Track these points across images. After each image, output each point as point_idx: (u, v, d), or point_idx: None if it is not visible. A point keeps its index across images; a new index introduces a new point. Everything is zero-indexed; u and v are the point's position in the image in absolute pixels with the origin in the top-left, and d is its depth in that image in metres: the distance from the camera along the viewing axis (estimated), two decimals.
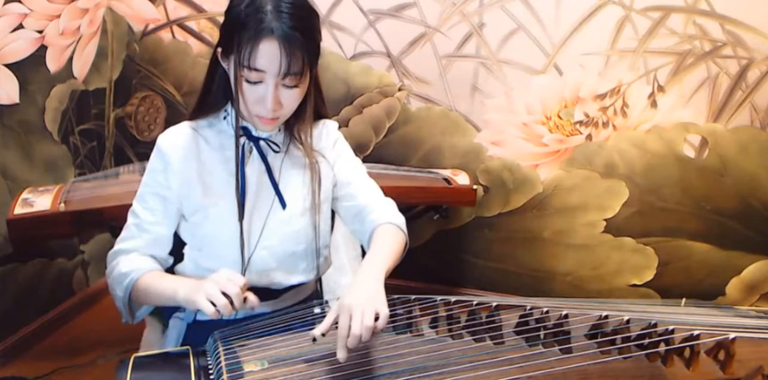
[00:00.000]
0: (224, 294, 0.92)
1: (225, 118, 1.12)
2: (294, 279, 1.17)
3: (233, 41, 0.98)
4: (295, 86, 1.01)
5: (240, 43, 0.97)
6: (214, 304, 0.91)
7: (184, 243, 1.16)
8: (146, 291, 1.05)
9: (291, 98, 1.03)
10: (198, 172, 1.10)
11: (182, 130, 1.12)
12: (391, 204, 1.20)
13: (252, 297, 0.96)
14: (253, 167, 1.12)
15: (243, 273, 1.12)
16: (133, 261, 1.09)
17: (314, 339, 0.91)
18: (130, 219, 1.12)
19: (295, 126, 1.13)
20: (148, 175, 1.11)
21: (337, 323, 0.91)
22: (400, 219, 1.17)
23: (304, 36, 0.97)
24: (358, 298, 0.91)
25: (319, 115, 1.18)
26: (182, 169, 1.09)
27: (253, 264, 1.12)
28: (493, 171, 2.21)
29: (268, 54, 0.96)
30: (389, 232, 1.12)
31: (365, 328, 0.87)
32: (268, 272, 1.14)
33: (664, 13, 1.93)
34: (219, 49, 1.05)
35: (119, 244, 1.12)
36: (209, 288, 0.92)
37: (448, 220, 2.30)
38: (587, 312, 0.99)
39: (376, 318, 0.89)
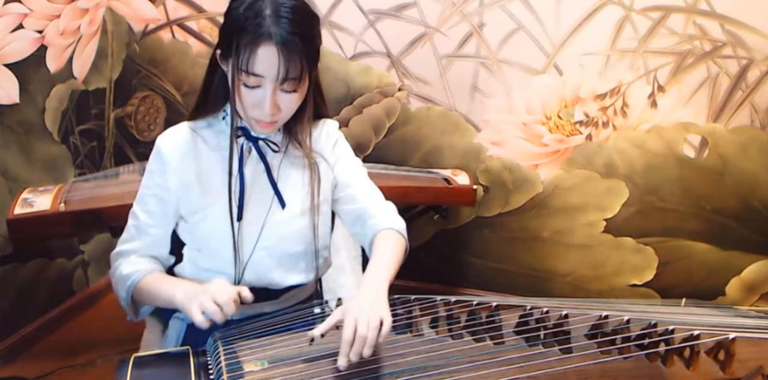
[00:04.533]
0: (216, 303, 0.94)
1: (224, 118, 1.12)
2: (293, 280, 1.17)
3: (232, 45, 0.98)
4: (294, 91, 1.01)
5: (238, 47, 0.96)
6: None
7: (183, 244, 1.16)
8: (147, 293, 1.07)
9: (289, 102, 1.03)
10: (196, 173, 1.10)
11: (181, 130, 1.12)
12: (391, 208, 1.19)
13: (246, 293, 0.98)
14: (252, 167, 1.12)
15: (239, 273, 1.12)
16: (133, 263, 1.10)
17: (312, 340, 0.92)
18: (130, 220, 1.13)
19: (294, 127, 1.13)
20: (146, 177, 1.12)
21: (337, 326, 0.91)
22: (401, 224, 1.16)
23: (302, 41, 0.97)
24: (363, 305, 0.93)
25: (319, 115, 1.18)
26: (180, 169, 1.09)
27: (252, 265, 1.12)
28: (493, 171, 2.21)
29: (267, 59, 0.96)
30: (391, 239, 1.11)
31: (372, 329, 0.89)
32: (266, 272, 1.14)
33: (664, 13, 1.92)
34: (218, 51, 1.04)
35: (120, 246, 1.13)
36: (203, 299, 0.95)
37: (448, 220, 2.29)
38: (587, 312, 1.00)
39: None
